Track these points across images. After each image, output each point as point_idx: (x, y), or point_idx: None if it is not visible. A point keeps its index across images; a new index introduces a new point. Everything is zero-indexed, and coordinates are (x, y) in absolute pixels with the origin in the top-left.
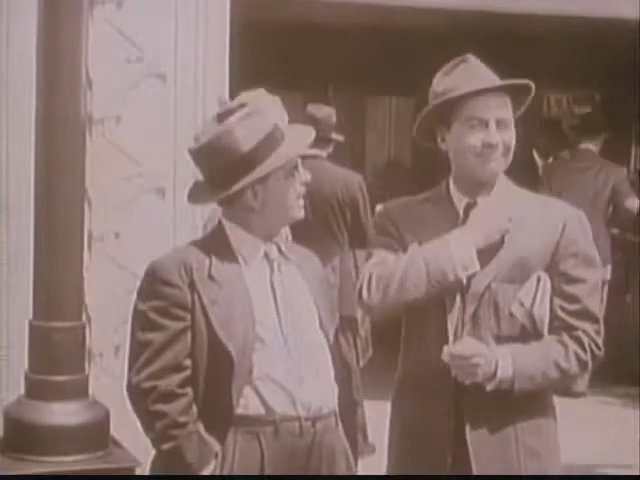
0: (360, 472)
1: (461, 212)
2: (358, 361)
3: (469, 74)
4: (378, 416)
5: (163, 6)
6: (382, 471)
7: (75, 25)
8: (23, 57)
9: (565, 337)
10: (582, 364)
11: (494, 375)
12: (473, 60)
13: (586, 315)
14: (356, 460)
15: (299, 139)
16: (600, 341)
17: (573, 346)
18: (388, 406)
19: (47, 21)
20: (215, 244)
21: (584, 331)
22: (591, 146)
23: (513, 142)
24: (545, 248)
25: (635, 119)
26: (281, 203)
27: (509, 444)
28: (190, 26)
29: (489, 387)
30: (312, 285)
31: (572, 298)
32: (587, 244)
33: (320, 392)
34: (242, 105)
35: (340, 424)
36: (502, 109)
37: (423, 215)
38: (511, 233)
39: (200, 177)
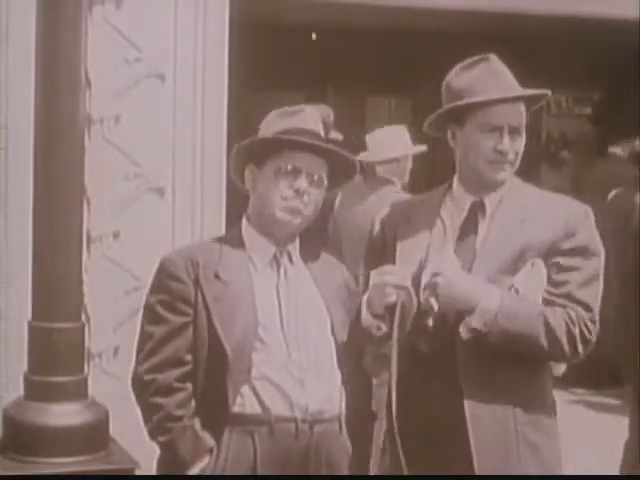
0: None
1: (466, 211)
2: None
3: (490, 77)
4: None
5: (162, 6)
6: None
7: (74, 25)
8: (22, 57)
9: (555, 306)
10: (570, 336)
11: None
12: (495, 61)
13: (574, 300)
14: (366, 469)
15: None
16: (591, 326)
17: (561, 313)
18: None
19: (46, 21)
20: (229, 243)
21: (573, 309)
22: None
23: (522, 149)
24: (544, 242)
25: (635, 119)
26: (265, 197)
27: (509, 437)
28: (189, 26)
29: (474, 323)
30: (326, 291)
31: (561, 284)
32: (589, 239)
33: (321, 396)
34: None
35: (345, 430)
36: (516, 117)
37: (409, 214)
38: (514, 230)
39: None
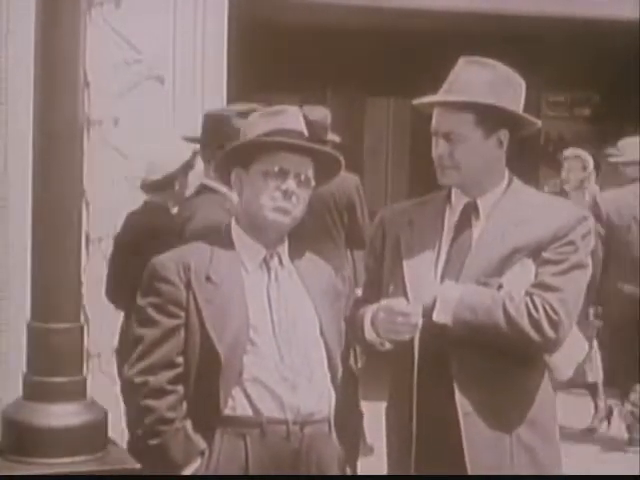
0: (358, 473)
1: (458, 212)
2: (356, 362)
3: (448, 80)
4: (376, 416)
5: (161, 8)
6: (379, 471)
7: (73, 26)
8: (21, 59)
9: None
10: (533, 321)
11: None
12: (459, 64)
13: (543, 286)
14: (354, 469)
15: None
16: (558, 306)
17: (525, 300)
18: (384, 406)
19: (45, 22)
20: (220, 245)
21: (537, 294)
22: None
23: (467, 158)
24: (536, 242)
25: (635, 119)
26: (253, 198)
27: (503, 440)
28: (188, 28)
29: (435, 316)
30: (314, 293)
31: (538, 275)
32: (579, 240)
33: (312, 398)
34: (281, 107)
35: (334, 431)
36: (447, 123)
37: (412, 218)
38: (508, 232)
39: None
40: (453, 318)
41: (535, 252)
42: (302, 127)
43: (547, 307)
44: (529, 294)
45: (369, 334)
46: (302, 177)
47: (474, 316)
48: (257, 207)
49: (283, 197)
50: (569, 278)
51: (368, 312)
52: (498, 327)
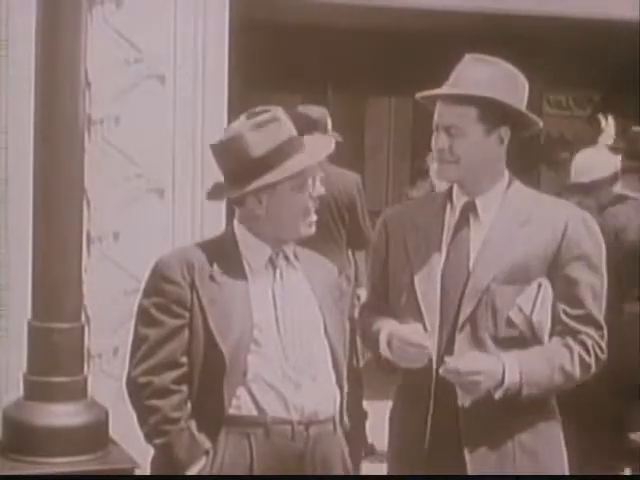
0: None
1: (458, 212)
2: (357, 362)
3: (452, 75)
4: (377, 416)
5: (162, 7)
6: (381, 471)
7: (74, 25)
8: (22, 58)
9: (570, 340)
10: (585, 367)
11: (501, 382)
12: (464, 60)
13: (590, 321)
14: (357, 469)
15: (316, 151)
16: (604, 345)
17: (578, 349)
18: (387, 406)
19: (46, 21)
20: (223, 245)
21: (587, 334)
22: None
23: (467, 153)
24: (547, 249)
25: (635, 119)
26: (287, 215)
27: (504, 443)
28: (189, 27)
29: (497, 395)
30: (318, 292)
31: (576, 302)
32: (591, 247)
33: (316, 398)
34: (266, 111)
35: (339, 431)
36: (449, 116)
37: (415, 219)
38: (515, 235)
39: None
40: (522, 394)
41: (552, 263)
42: (293, 129)
43: (597, 348)
44: (577, 332)
45: (385, 352)
46: (317, 178)
47: (540, 389)
48: (290, 221)
49: (313, 204)
50: (602, 306)
51: (384, 330)
52: (558, 387)
